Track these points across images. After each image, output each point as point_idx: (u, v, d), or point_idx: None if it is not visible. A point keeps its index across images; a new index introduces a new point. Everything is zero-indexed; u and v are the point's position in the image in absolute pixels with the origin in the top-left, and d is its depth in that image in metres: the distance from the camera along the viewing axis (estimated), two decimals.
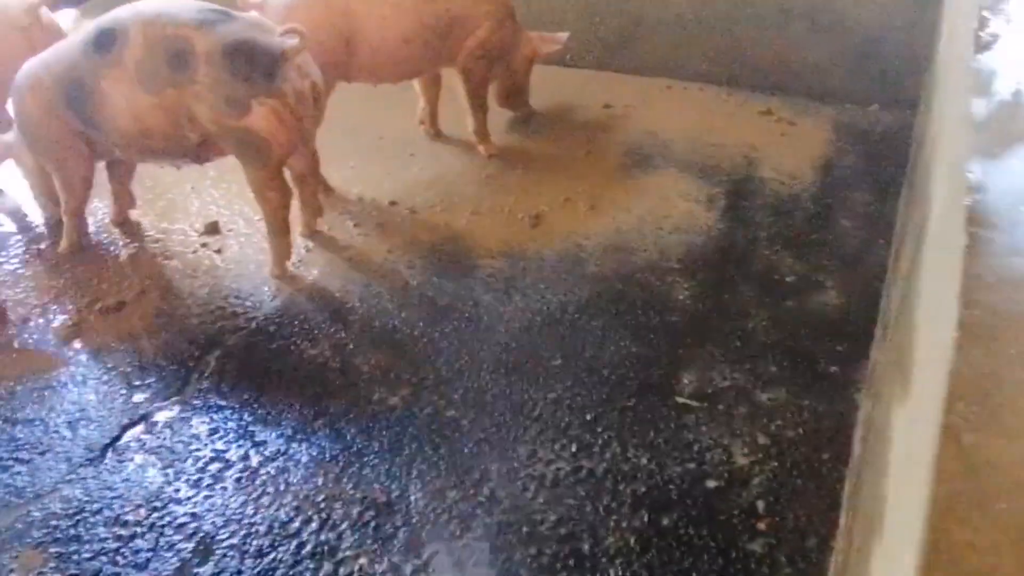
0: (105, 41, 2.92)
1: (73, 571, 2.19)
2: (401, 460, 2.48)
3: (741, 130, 4.11)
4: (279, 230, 3.14)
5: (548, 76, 4.14)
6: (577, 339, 2.90)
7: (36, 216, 3.58)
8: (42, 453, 2.53)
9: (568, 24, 4.28)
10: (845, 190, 3.69)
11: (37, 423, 2.63)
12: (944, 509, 0.84)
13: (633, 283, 3.15)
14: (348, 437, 2.57)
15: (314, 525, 2.29)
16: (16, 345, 2.91)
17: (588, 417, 2.60)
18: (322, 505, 2.35)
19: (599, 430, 2.56)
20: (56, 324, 2.99)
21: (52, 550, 2.25)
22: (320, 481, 2.43)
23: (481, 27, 3.63)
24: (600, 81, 4.51)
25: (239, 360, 2.85)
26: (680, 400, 2.67)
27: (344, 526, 2.28)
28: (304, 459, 2.50)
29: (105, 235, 3.45)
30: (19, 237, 3.47)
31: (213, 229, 3.44)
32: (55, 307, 3.07)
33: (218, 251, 3.35)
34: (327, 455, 2.51)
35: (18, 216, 3.60)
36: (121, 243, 3.40)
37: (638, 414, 2.62)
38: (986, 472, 0.87)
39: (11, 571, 2.20)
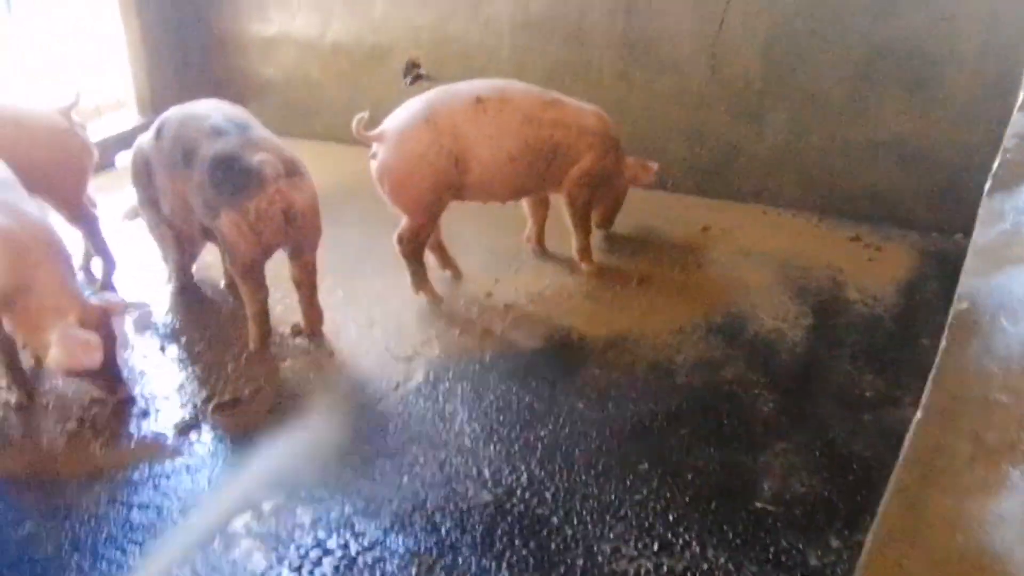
0: (158, 128, 3.47)
1: None
2: (492, 555, 2.57)
3: (830, 254, 4.22)
4: (253, 315, 3.48)
5: (650, 200, 4.31)
6: (664, 445, 2.99)
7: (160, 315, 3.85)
8: (155, 537, 2.70)
9: (670, 151, 4.48)
10: (926, 312, 3.76)
11: (152, 508, 2.80)
12: None
13: (719, 394, 3.25)
14: (443, 530, 2.67)
15: None
16: (137, 435, 3.12)
17: (671, 518, 2.69)
18: None
19: (681, 530, 2.64)
20: (174, 418, 3.20)
21: None
22: (414, 571, 2.53)
23: (585, 157, 3.79)
24: (699, 206, 4.68)
25: (348, 455, 2.99)
26: (759, 504, 2.74)
27: None
28: (400, 550, 2.61)
29: (222, 336, 3.68)
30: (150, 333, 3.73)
31: (297, 331, 3.63)
32: (170, 401, 3.29)
33: (330, 354, 3.54)
34: (422, 547, 2.61)
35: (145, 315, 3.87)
36: (237, 343, 3.61)
37: (718, 516, 2.70)
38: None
39: None
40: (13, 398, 3.24)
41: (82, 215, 3.83)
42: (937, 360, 1.51)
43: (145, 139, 3.61)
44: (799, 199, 4.60)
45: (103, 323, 3.03)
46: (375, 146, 3.65)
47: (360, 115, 3.54)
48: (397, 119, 3.64)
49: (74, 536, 2.69)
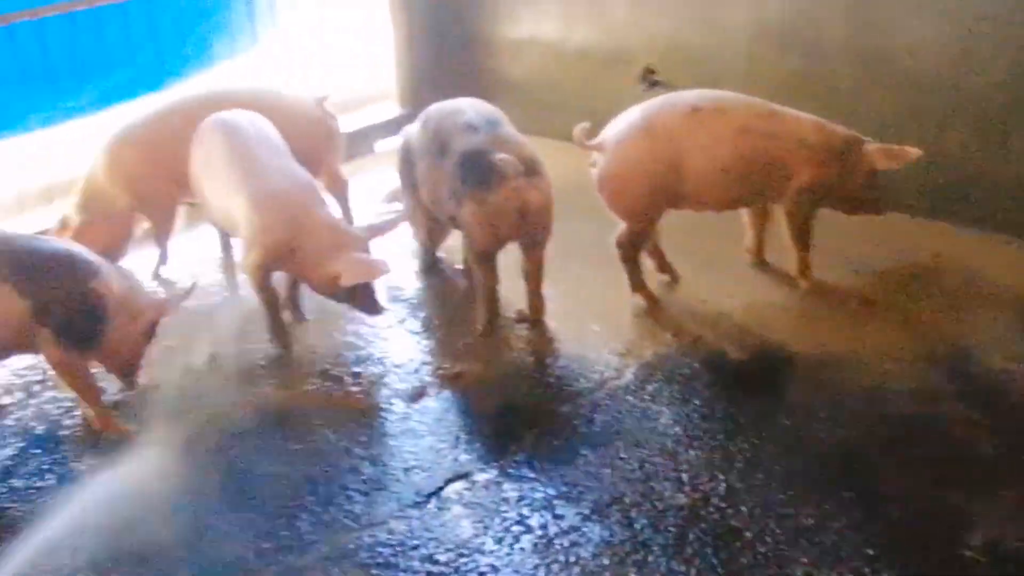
0: (423, 121, 3.80)
1: None
2: (682, 558, 2.67)
3: None
4: (483, 299, 3.71)
5: (881, 221, 4.20)
6: (870, 476, 2.97)
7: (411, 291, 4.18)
8: (379, 489, 2.99)
9: (904, 170, 4.32)
10: None
11: (379, 463, 3.10)
12: None
13: (935, 430, 3.16)
14: (637, 526, 2.80)
15: None
16: (372, 397, 3.45)
17: (869, 552, 2.66)
18: None
19: (878, 566, 2.61)
20: (405, 384, 3.50)
21: (373, 572, 2.66)
22: (606, 561, 2.67)
23: (803, 172, 3.76)
24: (933, 231, 4.48)
25: (554, 439, 3.19)
26: (967, 553, 2.66)
27: None
28: (595, 539, 2.76)
29: (455, 315, 3.95)
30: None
31: (521, 317, 3.84)
32: (403, 367, 3.60)
33: (549, 342, 3.74)
34: (616, 539, 2.75)
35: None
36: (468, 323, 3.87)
37: (919, 558, 2.65)
38: None
39: None
40: (274, 349, 3.67)
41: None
42: None
43: (411, 130, 3.93)
44: None
45: (368, 246, 3.52)
46: (594, 155, 3.82)
47: (581, 125, 3.74)
48: (615, 128, 3.80)
49: (310, 479, 3.02)
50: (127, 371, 3.33)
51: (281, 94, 4.30)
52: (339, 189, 4.42)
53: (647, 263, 4.03)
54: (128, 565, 2.71)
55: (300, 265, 3.47)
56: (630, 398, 3.37)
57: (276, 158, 3.65)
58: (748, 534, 2.76)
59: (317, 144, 4.24)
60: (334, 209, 4.25)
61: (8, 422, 3.39)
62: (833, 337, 3.68)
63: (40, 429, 3.35)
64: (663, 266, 4.11)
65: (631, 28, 5.19)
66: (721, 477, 2.98)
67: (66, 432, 3.33)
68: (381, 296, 3.67)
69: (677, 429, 3.21)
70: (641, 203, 3.76)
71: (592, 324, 3.82)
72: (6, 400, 3.50)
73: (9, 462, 3.18)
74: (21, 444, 3.27)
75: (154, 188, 4.12)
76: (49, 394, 3.50)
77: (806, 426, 3.20)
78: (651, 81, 5.12)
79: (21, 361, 3.55)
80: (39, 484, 3.08)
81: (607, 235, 3.87)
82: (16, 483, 3.09)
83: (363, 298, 3.51)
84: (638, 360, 3.58)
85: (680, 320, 3.83)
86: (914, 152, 3.86)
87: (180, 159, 3.93)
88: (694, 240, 4.27)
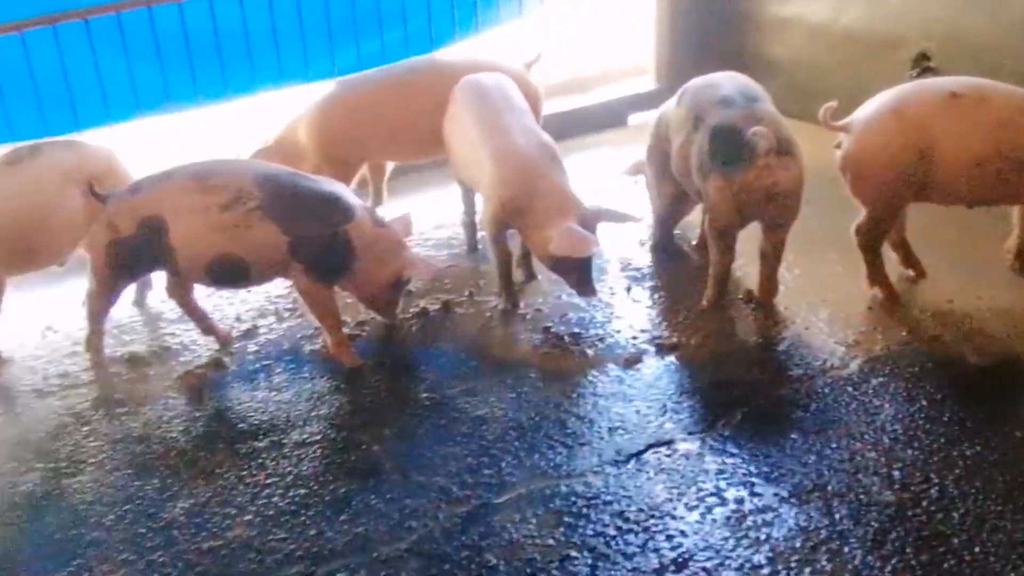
0: (680, 95, 3.81)
1: (576, 540, 2.68)
2: (879, 554, 2.58)
3: None
4: (715, 276, 3.70)
5: None
6: None
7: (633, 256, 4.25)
8: (582, 444, 3.08)
9: None
10: None
11: (586, 420, 3.19)
12: None
13: None
14: (837, 516, 2.73)
15: None
16: (589, 356, 3.55)
17: None
18: (793, 566, 2.56)
19: None
20: (622, 349, 3.57)
21: (566, 519, 2.75)
22: (799, 544, 2.63)
23: None
24: None
25: (761, 420, 3.16)
26: None
27: None
28: (790, 521, 2.72)
29: (681, 288, 3.97)
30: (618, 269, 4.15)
31: (750, 298, 3.80)
32: (622, 333, 3.67)
33: (774, 324, 3.68)
34: (812, 525, 2.70)
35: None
36: (693, 297, 3.88)
37: None
38: None
39: (529, 523, 2.75)
40: (501, 304, 3.85)
41: None
42: None
43: (669, 105, 3.95)
44: None
45: (595, 226, 3.53)
46: (841, 136, 3.68)
47: (828, 104, 3.60)
48: (865, 110, 3.63)
49: (519, 426, 3.16)
50: (380, 310, 3.65)
51: (495, 63, 4.35)
52: None
53: (891, 256, 3.86)
54: (343, 479, 2.97)
55: (527, 226, 3.59)
56: (851, 389, 3.27)
57: (519, 118, 3.80)
58: (955, 541, 2.62)
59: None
60: None
61: (259, 340, 3.79)
62: None
63: (286, 347, 3.72)
64: (908, 260, 3.92)
65: (906, 10, 4.93)
66: (935, 480, 2.85)
67: (306, 355, 3.67)
68: (611, 269, 3.74)
69: (897, 427, 3.09)
70: (883, 190, 3.58)
71: (822, 311, 3.72)
72: (260, 322, 3.90)
73: (254, 376, 3.55)
74: (267, 361, 3.64)
75: (343, 156, 4.29)
76: (296, 321, 3.87)
77: None
78: (923, 67, 4.85)
79: (276, 287, 3.94)
80: (276, 397, 3.42)
81: (849, 227, 3.74)
82: (259, 393, 3.45)
83: (575, 273, 3.55)
84: (867, 353, 3.45)
85: (919, 318, 3.65)
86: None
87: (381, 129, 4.17)
88: (946, 233, 4.05)
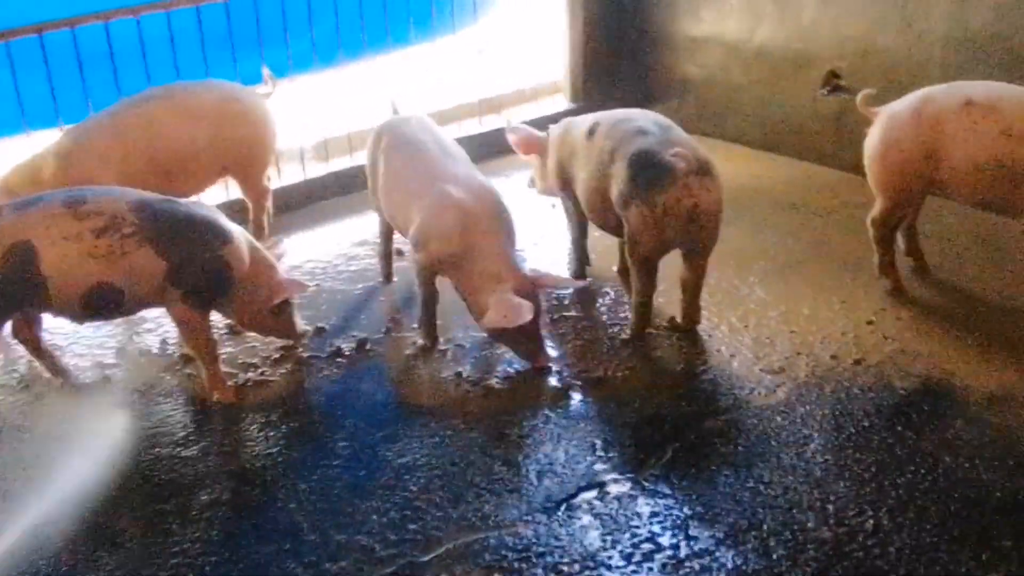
0: (590, 129, 3.70)
1: None
2: None
3: None
4: (636, 305, 3.64)
5: None
6: None
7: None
8: (510, 491, 2.96)
9: None
10: None
11: (513, 465, 3.07)
12: None
13: None
14: (774, 556, 2.66)
15: None
16: (511, 395, 3.43)
17: None
18: None
19: None
20: (546, 385, 3.46)
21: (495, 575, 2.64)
22: None
23: None
24: None
25: (691, 456, 3.07)
26: None
27: None
28: (728, 564, 2.64)
29: (604, 318, 3.89)
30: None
31: (673, 325, 3.73)
32: (554, 371, 3.55)
33: (698, 354, 3.62)
34: (750, 567, 2.63)
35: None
36: (616, 327, 3.80)
37: None
38: None
39: None
40: (421, 340, 3.71)
41: (260, 189, 4.35)
42: None
43: (573, 133, 3.84)
44: None
45: (534, 294, 3.38)
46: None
47: (867, 90, 3.80)
48: (896, 102, 3.76)
49: (443, 474, 3.03)
50: (276, 333, 3.58)
51: (233, 91, 4.24)
52: (263, 192, 4.39)
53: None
54: (257, 544, 2.79)
55: (460, 283, 3.46)
56: (779, 419, 3.22)
57: (458, 166, 3.65)
58: None
59: (254, 136, 4.22)
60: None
61: (161, 390, 3.58)
62: (1008, 373, 3.39)
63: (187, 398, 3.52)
64: (911, 248, 4.06)
65: (818, 29, 4.96)
66: (870, 512, 2.80)
67: (213, 406, 3.45)
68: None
69: (828, 457, 3.04)
70: (893, 182, 3.74)
71: (746, 337, 3.67)
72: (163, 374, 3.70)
73: (156, 431, 3.34)
74: (170, 413, 3.43)
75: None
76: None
77: (969, 467, 2.96)
78: (834, 85, 4.88)
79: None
80: (182, 453, 3.21)
81: (770, 247, 3.71)
82: (163, 451, 3.24)
83: (521, 343, 3.45)
84: (792, 380, 3.41)
85: (842, 340, 3.62)
86: None
87: (137, 154, 3.97)
88: (866, 252, 4.03)
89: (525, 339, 3.43)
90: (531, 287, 3.39)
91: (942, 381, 3.37)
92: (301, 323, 3.65)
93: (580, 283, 3.94)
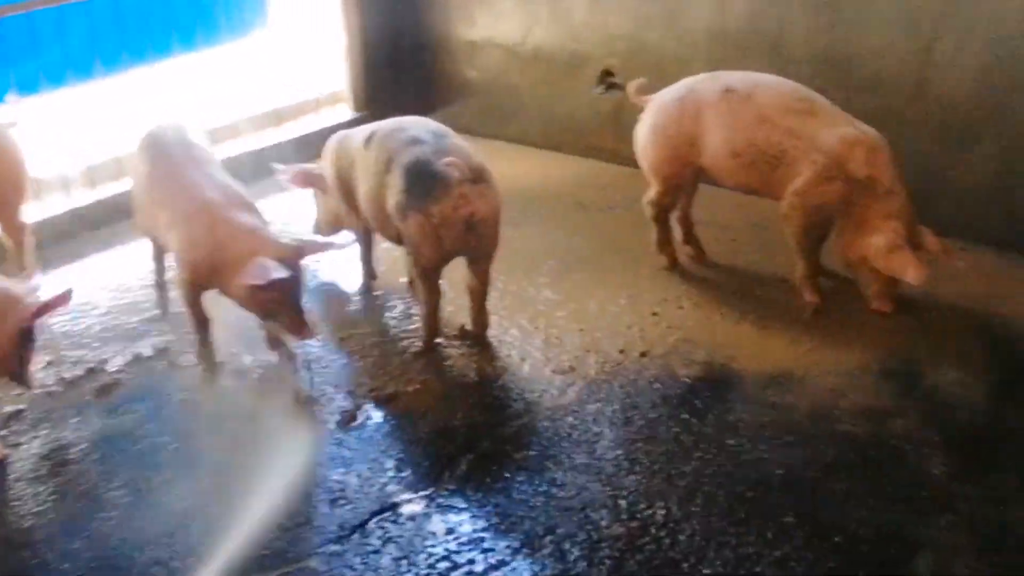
0: (367, 138, 3.60)
1: None
2: None
3: None
4: (424, 316, 3.60)
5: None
6: (815, 500, 2.85)
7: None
8: (301, 524, 2.84)
9: None
10: None
11: (304, 494, 2.95)
12: None
13: (884, 450, 3.04)
14: (570, 559, 2.67)
15: None
16: (302, 418, 3.30)
17: None
18: None
19: None
20: (337, 406, 3.35)
21: None
22: None
23: (802, 174, 3.64)
24: None
25: (488, 465, 3.05)
26: None
27: None
28: (525, 573, 2.63)
29: (393, 332, 3.81)
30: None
31: (464, 334, 3.71)
32: (337, 389, 3.45)
33: (491, 360, 3.60)
34: (547, 573, 2.62)
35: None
36: (406, 340, 3.73)
37: None
38: None
39: None
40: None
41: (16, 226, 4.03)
42: None
43: (351, 144, 3.73)
44: (1005, 237, 4.19)
45: (295, 262, 3.24)
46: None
47: (639, 80, 4.00)
48: (663, 91, 3.94)
49: (230, 516, 2.85)
50: (11, 373, 3.20)
51: None
52: (20, 229, 4.04)
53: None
54: None
55: (225, 284, 3.27)
56: (570, 419, 3.23)
57: (202, 169, 3.50)
58: (685, 566, 2.64)
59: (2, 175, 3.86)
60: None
61: None
62: (785, 351, 3.54)
63: None
64: (688, 237, 4.18)
65: (590, 29, 5.04)
66: (661, 504, 2.85)
67: None
68: (316, 316, 3.51)
69: (618, 452, 3.08)
70: (661, 166, 3.91)
71: (536, 339, 3.68)
72: None
73: None
74: None
75: None
76: None
77: (751, 448, 3.07)
78: (608, 83, 4.97)
79: None
80: None
81: (558, 247, 3.74)
82: None
83: (282, 312, 3.26)
84: (583, 378, 3.44)
85: (627, 334, 3.68)
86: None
87: None
88: (645, 243, 4.13)
89: (288, 309, 3.25)
90: (294, 255, 3.26)
91: (723, 366, 3.48)
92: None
93: (344, 244, 3.70)
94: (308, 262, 3.41)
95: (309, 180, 3.99)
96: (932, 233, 3.62)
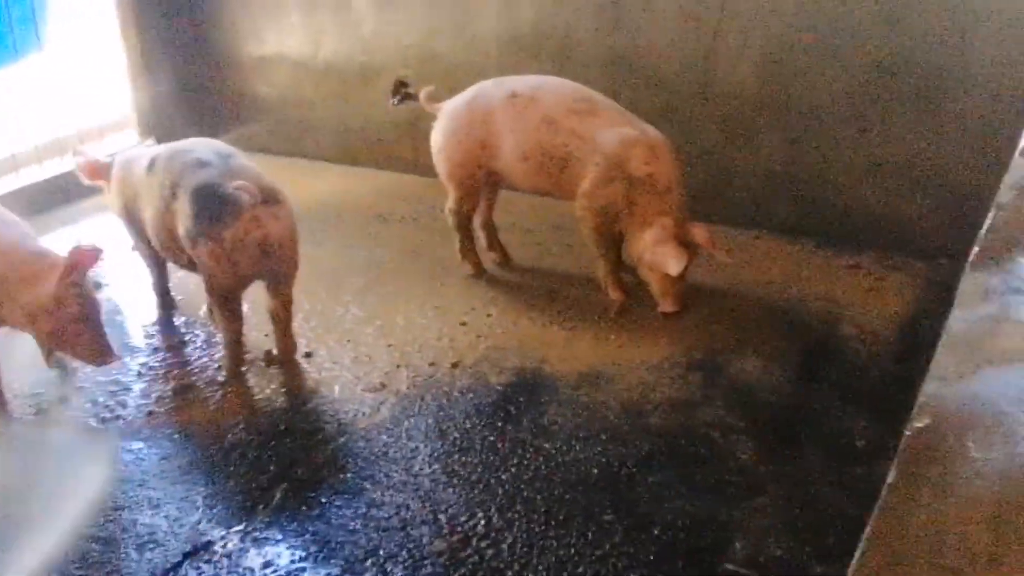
0: (151, 163, 3.44)
1: None
2: None
3: (827, 284, 4.06)
4: (227, 344, 3.50)
5: None
6: (632, 494, 2.90)
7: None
8: (109, 573, 2.67)
9: None
10: (931, 351, 3.58)
11: (111, 543, 2.77)
12: None
13: (694, 439, 3.14)
14: None
15: None
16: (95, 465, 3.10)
17: None
18: None
19: None
20: (137, 447, 3.17)
21: None
22: None
23: (587, 177, 3.72)
24: None
25: (303, 493, 2.95)
26: (730, 567, 2.62)
27: None
28: None
29: (202, 361, 3.65)
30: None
31: (270, 359, 3.60)
32: (147, 424, 3.27)
33: (299, 385, 3.49)
34: None
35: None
36: (211, 370, 3.57)
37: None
38: None
39: None
40: None
41: None
42: (879, 502, 1.19)
43: (133, 169, 3.56)
44: (796, 224, 4.45)
45: (78, 280, 3.06)
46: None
47: (428, 88, 4.05)
48: (455, 98, 3.98)
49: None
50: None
51: None
52: None
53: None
54: None
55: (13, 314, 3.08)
56: (385, 437, 3.18)
57: None
58: (509, 573, 2.63)
59: None
60: None
61: None
62: (594, 350, 3.62)
63: None
64: (492, 243, 4.21)
65: (380, 40, 5.01)
66: (481, 514, 2.84)
67: None
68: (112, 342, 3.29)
69: (435, 467, 3.05)
70: (455, 171, 3.95)
71: (345, 358, 3.60)
72: None
73: None
74: None
75: None
76: None
77: (567, 449, 3.10)
78: (403, 94, 4.94)
79: None
80: None
81: (359, 263, 3.67)
82: None
83: (78, 334, 3.07)
84: (395, 394, 3.39)
85: (438, 345, 3.66)
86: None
87: None
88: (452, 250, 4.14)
89: (85, 331, 3.08)
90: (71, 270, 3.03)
91: (535, 370, 3.51)
92: None
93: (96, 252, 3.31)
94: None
95: (97, 172, 3.79)
96: (704, 228, 3.71)
